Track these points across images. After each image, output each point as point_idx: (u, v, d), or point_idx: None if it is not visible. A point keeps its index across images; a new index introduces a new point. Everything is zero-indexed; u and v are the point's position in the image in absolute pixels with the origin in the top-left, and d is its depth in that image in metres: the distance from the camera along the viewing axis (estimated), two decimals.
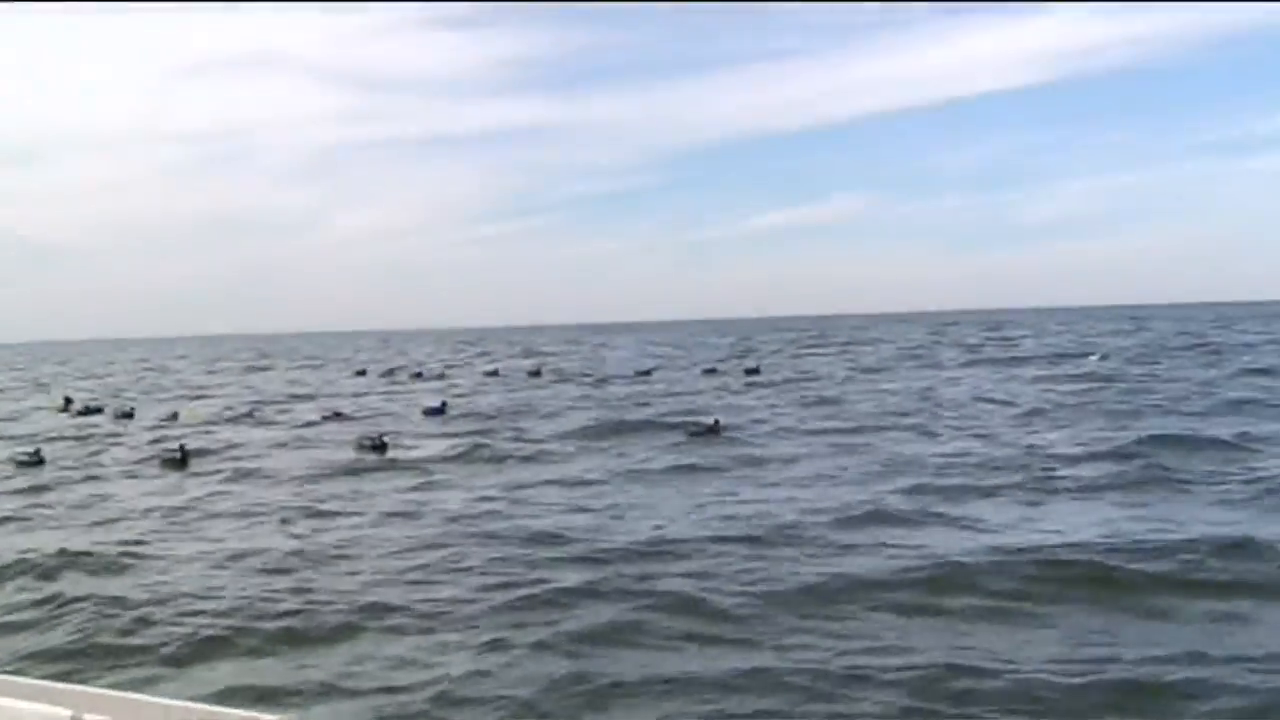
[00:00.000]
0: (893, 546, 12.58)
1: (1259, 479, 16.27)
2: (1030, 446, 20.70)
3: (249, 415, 34.87)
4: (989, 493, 16.05)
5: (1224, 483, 16.20)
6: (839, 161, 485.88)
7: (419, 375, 56.26)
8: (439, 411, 32.31)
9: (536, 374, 53.33)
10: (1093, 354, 50.77)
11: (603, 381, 46.62)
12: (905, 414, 27.76)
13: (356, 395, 43.53)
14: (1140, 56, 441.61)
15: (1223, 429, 21.94)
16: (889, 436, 23.35)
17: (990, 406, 29.25)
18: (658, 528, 14.18)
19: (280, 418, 33.88)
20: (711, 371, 50.26)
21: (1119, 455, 18.92)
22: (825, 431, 24.57)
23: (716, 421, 25.17)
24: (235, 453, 24.68)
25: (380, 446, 23.27)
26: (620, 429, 26.55)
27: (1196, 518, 13.75)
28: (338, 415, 32.99)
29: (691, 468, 19.80)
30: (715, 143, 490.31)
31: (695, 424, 25.43)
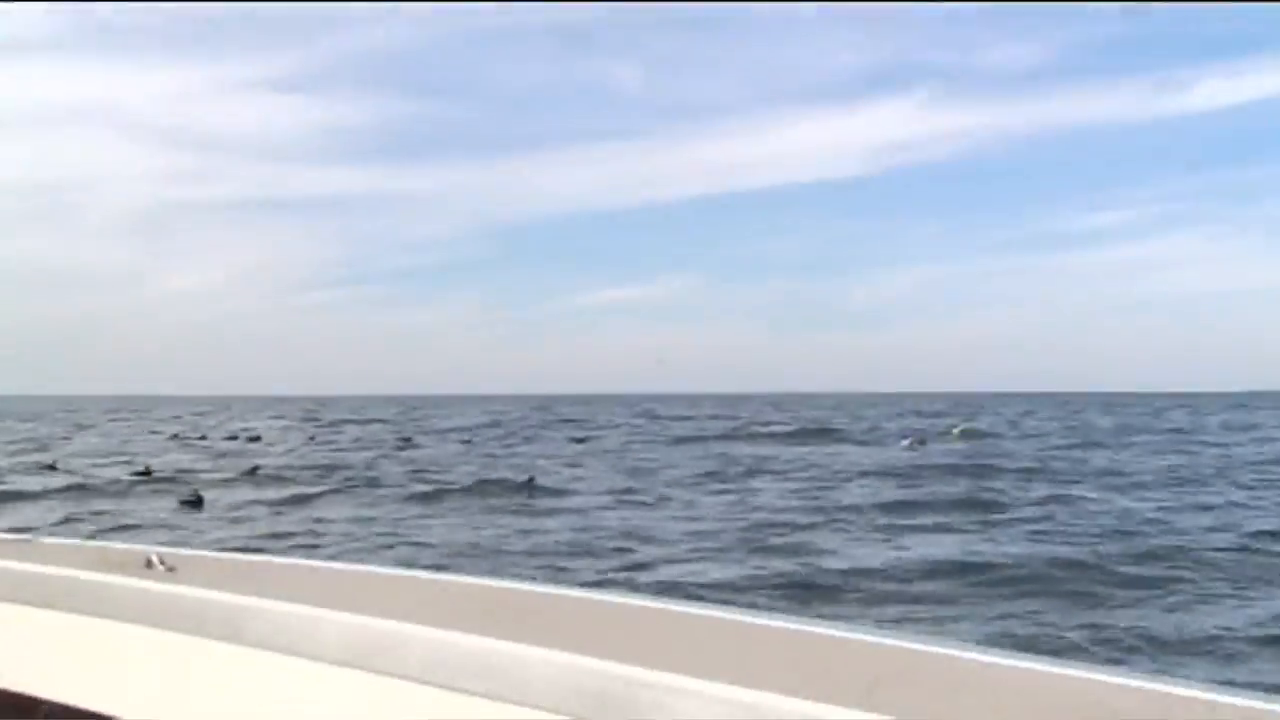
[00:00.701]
0: None
1: None
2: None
3: None
4: None
5: None
6: (668, 242, 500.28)
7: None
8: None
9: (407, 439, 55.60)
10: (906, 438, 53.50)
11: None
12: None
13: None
14: (959, 152, 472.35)
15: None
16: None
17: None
18: None
19: None
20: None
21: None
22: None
23: (531, 478, 28.57)
24: None
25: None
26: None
27: None
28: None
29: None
30: (546, 218, 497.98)
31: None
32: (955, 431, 47.89)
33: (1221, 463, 36.32)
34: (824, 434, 57.52)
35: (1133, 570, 15.93)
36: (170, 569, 2.25)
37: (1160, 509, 22.87)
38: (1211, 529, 19.89)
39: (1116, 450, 43.05)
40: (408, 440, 53.73)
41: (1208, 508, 23.14)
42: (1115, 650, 11.56)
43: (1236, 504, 24.00)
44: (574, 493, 27.16)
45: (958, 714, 1.52)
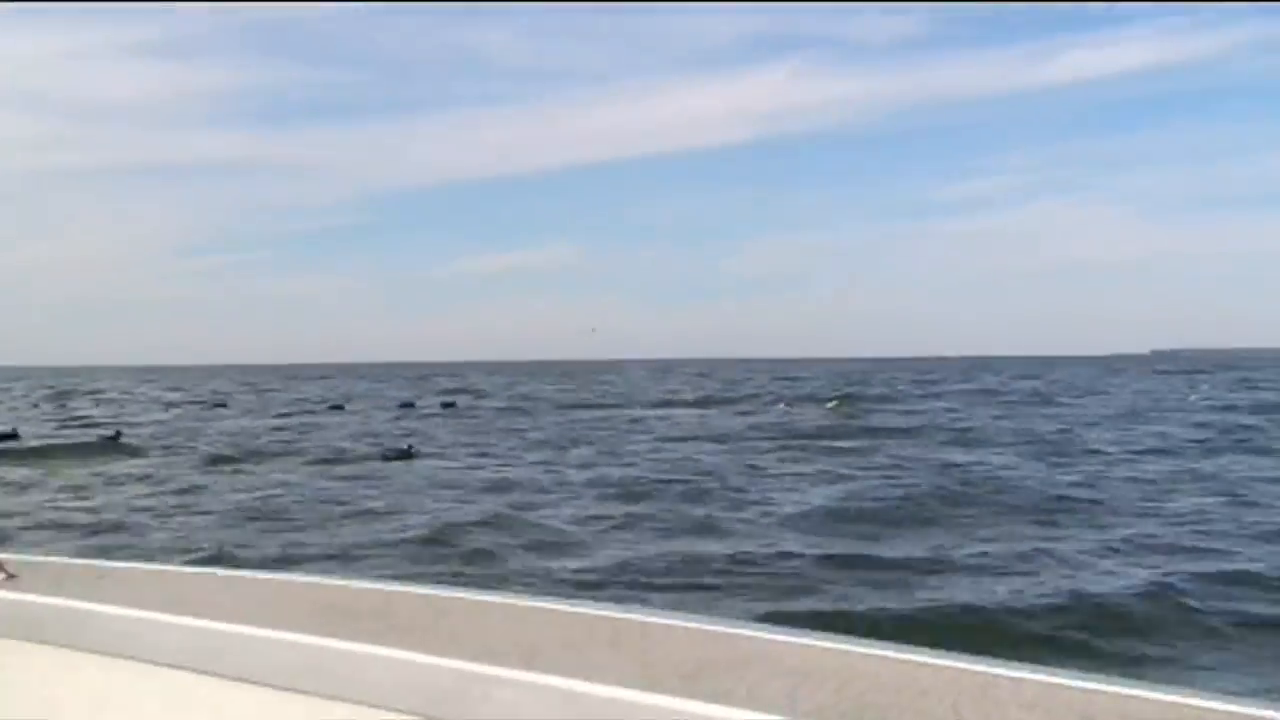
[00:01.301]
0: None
1: None
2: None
3: None
4: None
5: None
6: (550, 210, 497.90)
7: None
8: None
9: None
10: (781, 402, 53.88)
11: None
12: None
13: None
14: (835, 121, 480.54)
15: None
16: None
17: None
18: None
19: None
20: (409, 405, 53.92)
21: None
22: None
23: (410, 446, 28.51)
24: None
25: None
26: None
27: None
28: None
29: None
30: (428, 184, 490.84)
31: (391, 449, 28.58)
32: (830, 404, 49.09)
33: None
34: (705, 402, 58.78)
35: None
36: (11, 576, 2.25)
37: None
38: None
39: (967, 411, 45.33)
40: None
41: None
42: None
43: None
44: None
45: (780, 699, 1.59)
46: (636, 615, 2.13)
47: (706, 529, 15.73)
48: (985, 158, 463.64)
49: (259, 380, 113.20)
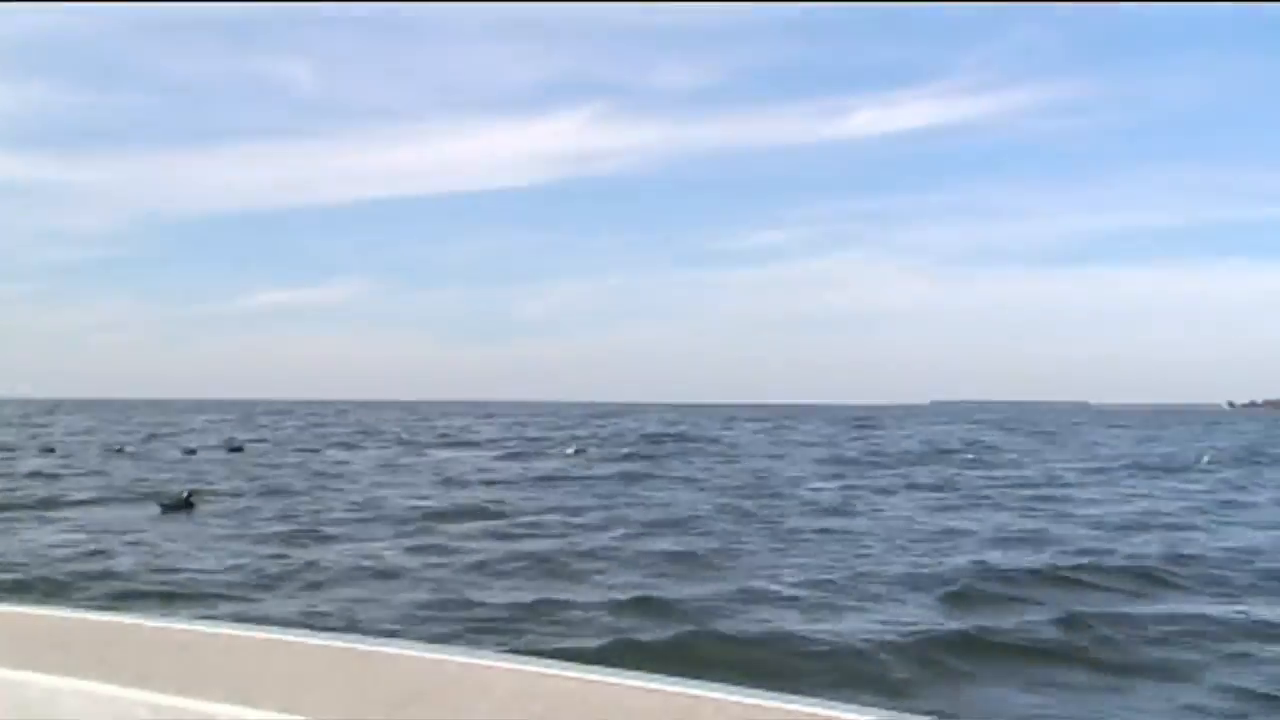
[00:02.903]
0: None
1: None
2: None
3: None
4: None
5: None
6: (339, 246, 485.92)
7: None
8: None
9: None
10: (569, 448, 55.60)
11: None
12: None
13: None
14: (631, 168, 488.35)
15: None
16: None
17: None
18: None
19: None
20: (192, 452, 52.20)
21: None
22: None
23: (190, 494, 28.39)
24: None
25: None
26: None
27: None
28: None
29: None
30: (213, 216, 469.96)
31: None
32: (570, 453, 52.45)
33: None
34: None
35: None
36: None
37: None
38: None
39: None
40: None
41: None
42: None
43: None
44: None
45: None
46: (359, 644, 2.17)
47: None
48: (777, 210, 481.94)
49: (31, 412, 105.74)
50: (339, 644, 2.13)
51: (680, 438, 70.60)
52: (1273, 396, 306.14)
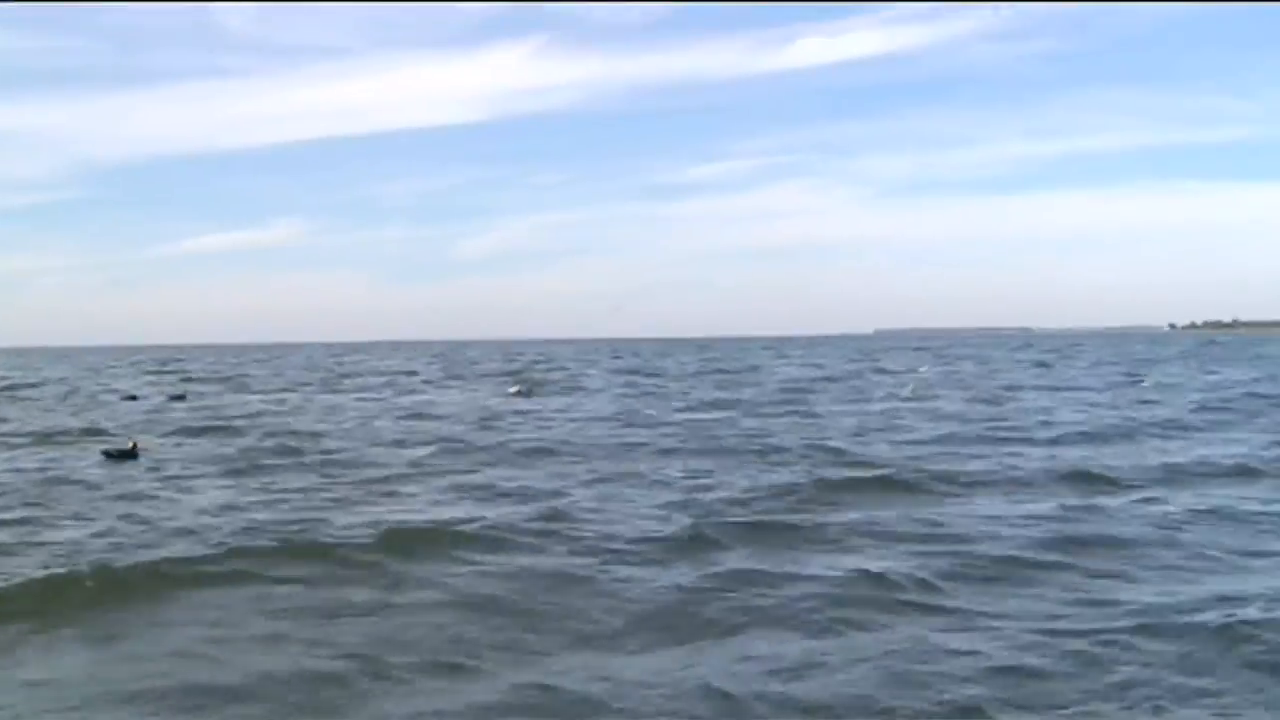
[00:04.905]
0: None
1: None
2: None
3: None
4: None
5: None
6: (278, 186, 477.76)
7: None
8: None
9: None
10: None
11: None
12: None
13: None
14: (575, 102, 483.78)
15: None
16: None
17: None
18: None
19: None
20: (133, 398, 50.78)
21: None
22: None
23: (134, 444, 27.38)
24: None
25: None
26: None
27: None
28: None
29: None
30: (150, 159, 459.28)
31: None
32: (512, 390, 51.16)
33: None
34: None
35: None
36: None
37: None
38: None
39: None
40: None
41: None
42: None
43: None
44: None
45: None
46: None
47: None
48: (722, 142, 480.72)
49: None
50: None
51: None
52: (1212, 318, 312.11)
